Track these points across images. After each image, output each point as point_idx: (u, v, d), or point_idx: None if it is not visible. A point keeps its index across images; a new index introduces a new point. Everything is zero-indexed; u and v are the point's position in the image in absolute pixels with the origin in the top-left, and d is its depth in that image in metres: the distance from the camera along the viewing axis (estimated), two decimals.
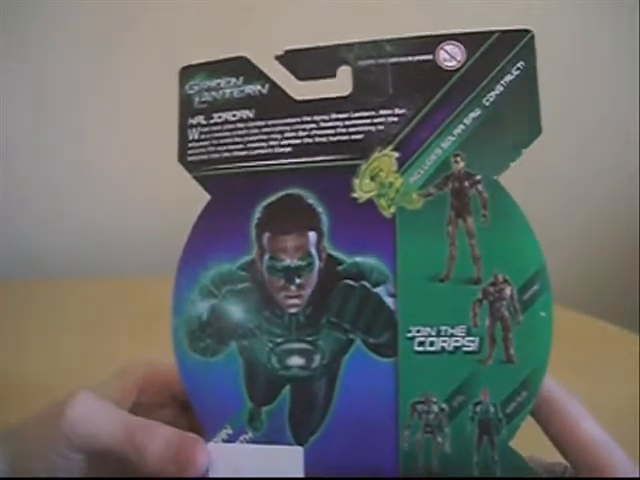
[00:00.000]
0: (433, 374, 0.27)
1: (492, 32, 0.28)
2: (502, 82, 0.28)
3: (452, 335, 0.27)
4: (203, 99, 0.31)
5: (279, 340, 0.29)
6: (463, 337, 0.27)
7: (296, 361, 0.29)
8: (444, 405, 0.27)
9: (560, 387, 0.28)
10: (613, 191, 0.85)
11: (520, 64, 0.28)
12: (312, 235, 0.29)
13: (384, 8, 0.71)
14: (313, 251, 0.29)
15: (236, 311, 0.29)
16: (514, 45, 0.28)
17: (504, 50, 0.28)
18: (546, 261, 0.27)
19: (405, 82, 0.28)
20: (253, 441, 0.29)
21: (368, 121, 0.29)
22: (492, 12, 0.69)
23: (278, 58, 0.30)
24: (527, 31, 0.28)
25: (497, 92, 0.28)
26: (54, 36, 0.73)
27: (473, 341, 0.27)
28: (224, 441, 0.29)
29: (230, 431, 0.29)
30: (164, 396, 0.34)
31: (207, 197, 0.30)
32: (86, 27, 0.73)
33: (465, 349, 0.27)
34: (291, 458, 0.28)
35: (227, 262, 0.30)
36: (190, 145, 0.31)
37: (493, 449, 0.27)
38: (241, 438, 0.29)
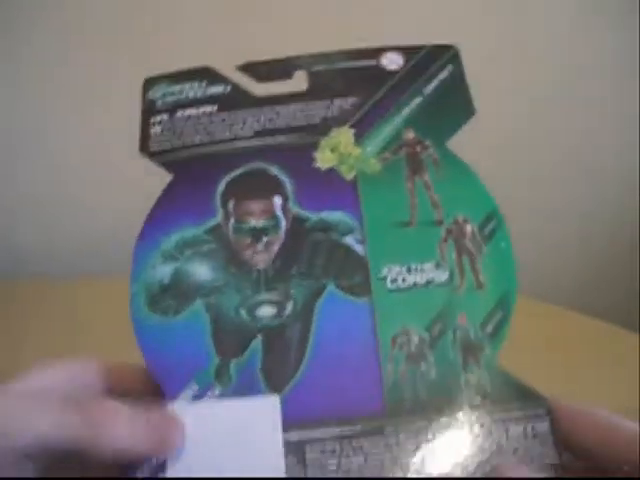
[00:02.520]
0: (409, 307, 0.28)
1: (424, 46, 0.34)
2: (436, 79, 0.33)
3: (422, 270, 0.28)
4: (166, 100, 0.34)
5: (248, 293, 0.28)
6: (433, 271, 0.28)
7: (267, 311, 0.28)
8: (424, 334, 0.27)
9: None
10: (613, 190, 0.84)
11: (449, 67, 0.34)
12: (277, 199, 0.30)
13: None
14: (279, 213, 0.30)
15: (201, 271, 0.29)
16: (443, 55, 0.34)
17: (435, 58, 0.34)
18: (498, 205, 0.30)
19: (354, 80, 0.33)
20: (222, 396, 0.26)
21: (324, 108, 0.33)
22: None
23: (240, 68, 0.34)
24: (452, 47, 0.34)
25: (434, 85, 0.33)
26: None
27: (443, 273, 0.28)
28: (189, 399, 0.26)
29: (196, 388, 0.27)
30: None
31: None
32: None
33: (437, 281, 0.28)
34: (267, 408, 0.26)
35: (191, 227, 0.30)
36: (153, 139, 0.33)
37: (480, 369, 0.26)
38: (209, 394, 0.27)
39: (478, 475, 0.25)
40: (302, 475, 0.25)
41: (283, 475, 0.25)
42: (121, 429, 0.24)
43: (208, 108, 0.33)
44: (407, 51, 0.34)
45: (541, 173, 0.79)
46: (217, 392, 0.27)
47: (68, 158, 0.74)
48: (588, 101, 0.76)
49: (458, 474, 0.25)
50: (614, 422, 0.25)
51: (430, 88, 0.33)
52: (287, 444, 0.26)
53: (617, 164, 0.81)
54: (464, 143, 0.34)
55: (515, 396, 0.26)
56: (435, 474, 0.25)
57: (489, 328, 0.27)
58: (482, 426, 0.26)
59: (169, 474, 0.25)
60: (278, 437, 0.26)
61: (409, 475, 0.25)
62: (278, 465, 0.25)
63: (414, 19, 0.69)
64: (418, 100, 0.33)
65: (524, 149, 0.75)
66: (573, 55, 0.74)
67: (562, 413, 0.26)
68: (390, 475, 0.25)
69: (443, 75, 0.33)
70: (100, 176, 0.74)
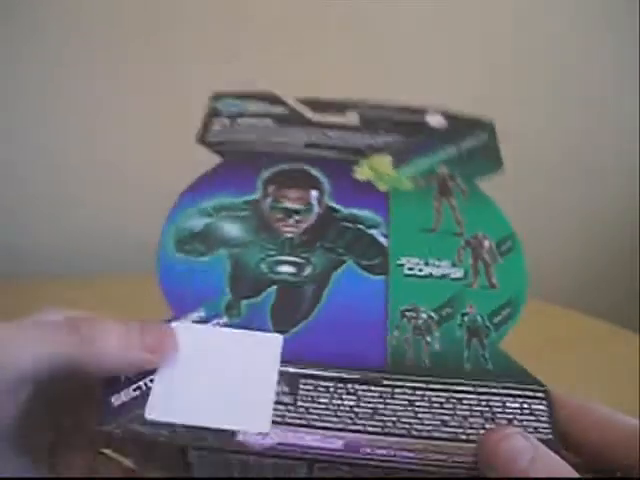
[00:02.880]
0: (421, 290, 0.29)
1: (465, 116, 0.38)
2: (472, 141, 0.37)
3: (439, 266, 0.29)
4: (230, 110, 0.37)
5: (271, 253, 0.29)
6: (449, 268, 0.29)
7: (286, 269, 0.29)
8: (432, 314, 0.27)
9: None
10: (613, 191, 0.84)
11: (485, 136, 0.37)
12: (314, 192, 0.32)
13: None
14: (314, 202, 0.32)
15: (231, 229, 0.30)
16: (481, 126, 0.38)
17: (474, 127, 0.38)
18: (515, 231, 0.31)
19: (401, 126, 0.37)
20: (228, 326, 0.26)
21: (370, 138, 0.36)
22: None
23: (300, 100, 0.38)
24: (490, 122, 0.38)
25: (469, 145, 0.36)
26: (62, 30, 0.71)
27: (458, 271, 0.29)
28: (195, 322, 0.26)
29: (203, 314, 0.27)
30: None
31: None
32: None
33: (451, 276, 0.29)
34: (269, 344, 0.26)
35: (231, 196, 0.32)
36: (211, 133, 0.36)
37: (483, 349, 0.26)
38: (214, 322, 0.27)
39: (468, 438, 0.24)
40: (291, 403, 0.24)
41: (270, 404, 0.24)
42: (113, 339, 0.25)
43: (266, 121, 0.37)
44: (450, 116, 0.38)
45: (542, 173, 0.80)
46: (223, 321, 0.27)
47: (68, 158, 0.75)
48: (588, 101, 0.78)
49: (447, 434, 0.24)
50: (614, 418, 0.25)
51: (465, 146, 0.37)
52: (282, 374, 0.25)
53: (617, 164, 0.83)
54: None
55: (515, 377, 0.26)
56: (425, 430, 0.24)
57: (496, 320, 0.28)
58: (479, 395, 0.25)
59: (155, 388, 0.25)
60: (274, 369, 0.25)
61: (398, 426, 0.24)
62: (268, 394, 0.25)
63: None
64: (454, 150, 0.36)
65: (525, 150, 0.75)
66: (573, 56, 0.78)
67: (562, 407, 0.25)
68: (379, 421, 0.24)
69: (478, 142, 0.37)
70: (100, 176, 0.75)
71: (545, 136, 0.79)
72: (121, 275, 0.71)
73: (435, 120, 0.38)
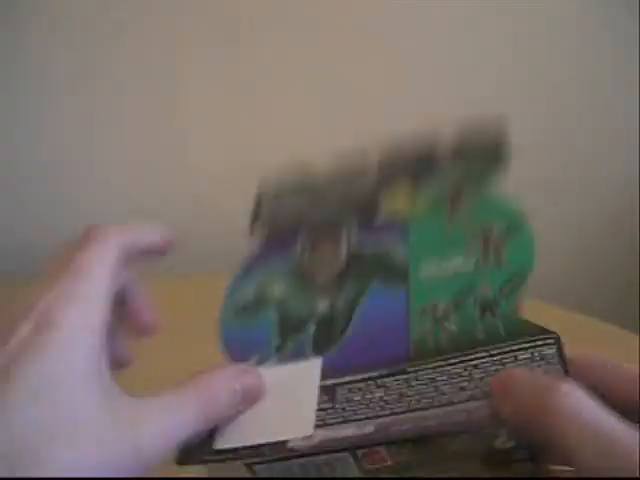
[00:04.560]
0: (438, 289, 0.32)
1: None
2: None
3: (452, 262, 0.32)
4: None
5: (310, 297, 0.34)
6: (461, 262, 0.32)
7: (322, 306, 0.33)
8: (449, 303, 0.30)
9: None
10: (613, 191, 0.86)
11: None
12: (343, 242, 0.37)
13: None
14: (343, 250, 0.36)
15: (276, 289, 0.36)
16: None
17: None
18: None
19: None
20: (278, 361, 0.31)
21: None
22: None
23: None
24: None
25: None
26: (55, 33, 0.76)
27: (470, 262, 0.32)
28: None
29: (254, 362, 0.32)
30: None
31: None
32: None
33: (464, 269, 0.32)
34: (309, 367, 0.30)
35: (276, 264, 0.37)
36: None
37: (494, 317, 0.28)
38: (266, 364, 0.31)
39: (484, 395, 0.26)
40: (330, 407, 0.28)
41: (313, 413, 0.28)
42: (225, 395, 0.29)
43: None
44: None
45: (542, 173, 0.80)
46: (273, 360, 0.32)
47: (68, 158, 0.77)
48: (592, 100, 0.81)
49: (466, 397, 0.26)
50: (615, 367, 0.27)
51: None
52: (322, 387, 0.29)
53: (617, 164, 0.84)
54: None
55: (526, 333, 0.28)
56: (445, 399, 0.26)
57: (506, 290, 0.30)
58: (493, 356, 0.27)
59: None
60: (315, 386, 0.29)
61: (422, 402, 0.26)
62: (310, 405, 0.29)
63: None
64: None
65: (527, 151, 0.79)
66: (572, 60, 0.81)
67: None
68: (405, 402, 0.27)
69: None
70: (100, 175, 0.78)
71: (544, 138, 0.81)
72: None
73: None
